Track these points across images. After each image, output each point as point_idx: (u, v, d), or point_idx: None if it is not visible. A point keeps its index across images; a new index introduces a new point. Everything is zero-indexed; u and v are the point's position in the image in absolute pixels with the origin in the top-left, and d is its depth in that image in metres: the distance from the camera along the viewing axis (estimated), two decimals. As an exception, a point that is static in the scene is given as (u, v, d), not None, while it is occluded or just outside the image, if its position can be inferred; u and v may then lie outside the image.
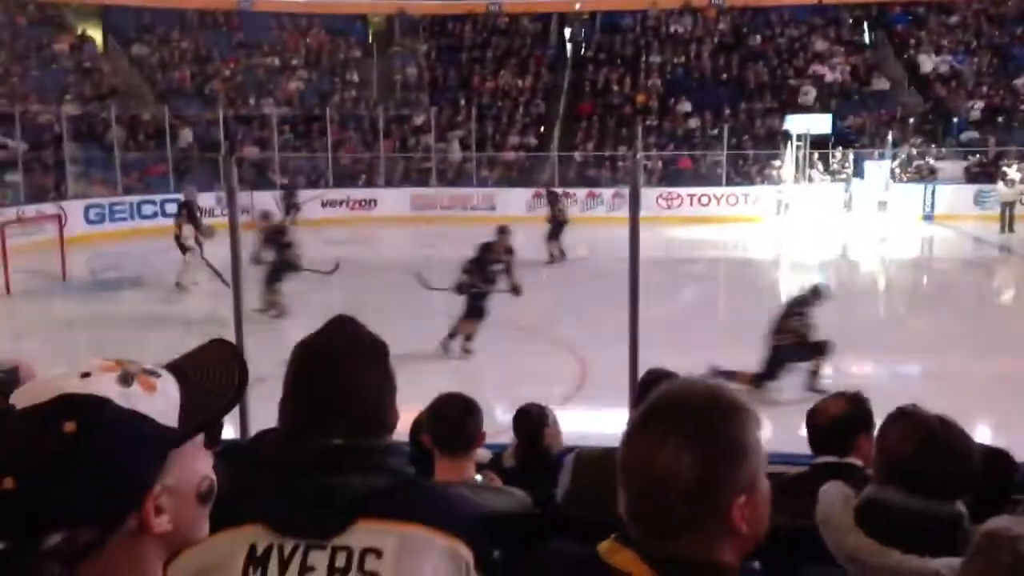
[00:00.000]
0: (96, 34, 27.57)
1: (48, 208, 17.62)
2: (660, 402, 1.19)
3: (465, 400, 2.96)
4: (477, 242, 10.46)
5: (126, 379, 0.89)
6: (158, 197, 20.80)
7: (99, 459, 0.84)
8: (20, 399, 0.87)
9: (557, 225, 16.12)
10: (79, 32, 26.81)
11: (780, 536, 1.73)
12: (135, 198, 20.56)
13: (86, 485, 0.83)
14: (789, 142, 23.15)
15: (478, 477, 3.00)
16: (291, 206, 20.37)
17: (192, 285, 13.61)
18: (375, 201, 22.87)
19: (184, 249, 13.77)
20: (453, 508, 1.46)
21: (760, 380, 8.18)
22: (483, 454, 4.25)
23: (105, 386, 0.87)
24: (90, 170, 21.43)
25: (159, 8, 27.67)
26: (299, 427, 1.46)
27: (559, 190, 17.51)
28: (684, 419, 1.15)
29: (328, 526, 1.35)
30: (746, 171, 23.29)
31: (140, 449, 0.87)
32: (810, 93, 24.65)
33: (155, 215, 20.42)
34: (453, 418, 2.87)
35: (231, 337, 4.06)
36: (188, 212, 14.00)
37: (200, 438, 0.95)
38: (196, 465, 0.94)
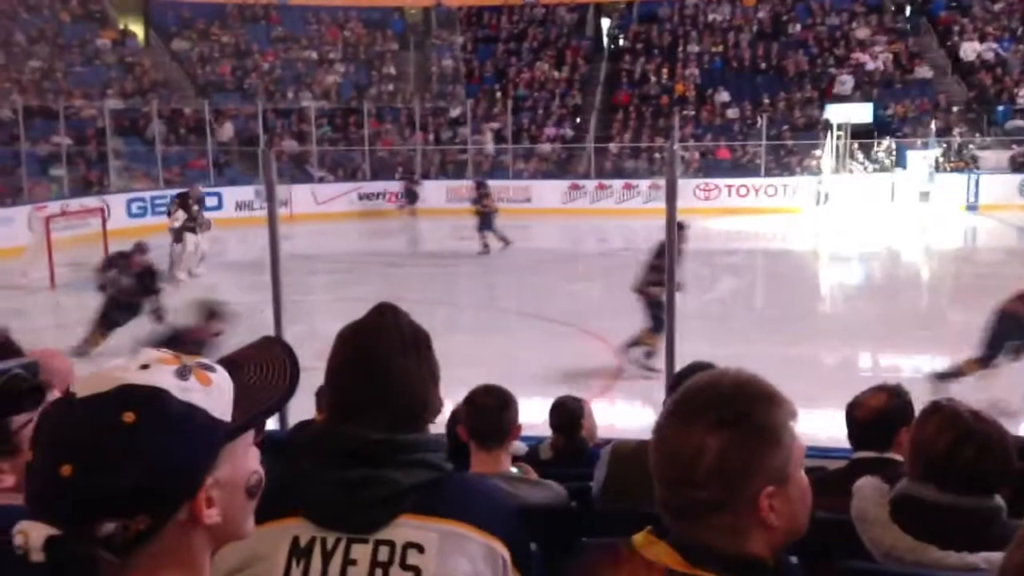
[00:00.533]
0: (138, 29, 27.95)
1: (91, 202, 17.92)
2: (689, 389, 1.20)
3: (501, 392, 2.96)
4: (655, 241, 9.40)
5: (183, 372, 0.90)
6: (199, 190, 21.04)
7: (155, 450, 0.85)
8: (81, 388, 0.88)
9: (486, 216, 16.19)
10: (121, 27, 27.19)
11: (818, 530, 1.71)
12: (176, 191, 20.82)
13: (142, 475, 0.84)
14: (829, 132, 22.84)
15: (514, 469, 3.01)
16: (411, 195, 20.77)
17: (186, 276, 13.67)
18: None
19: (177, 237, 13.92)
20: (492, 505, 1.46)
21: (985, 361, 7.41)
22: (519, 447, 4.26)
23: (163, 378, 0.88)
24: (132, 164, 21.76)
25: (200, 3, 27.98)
26: (339, 418, 1.46)
27: (487, 182, 17.42)
28: (712, 404, 1.16)
29: (371, 520, 1.36)
30: (785, 161, 23.03)
31: (195, 441, 0.88)
32: (847, 83, 24.27)
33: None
34: (489, 410, 2.87)
35: (272, 330, 4.12)
36: (181, 201, 14.25)
37: (251, 434, 0.97)
38: (246, 459, 0.96)
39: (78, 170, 20.49)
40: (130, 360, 0.91)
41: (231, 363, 0.99)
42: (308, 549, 1.35)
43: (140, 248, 10.27)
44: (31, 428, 1.22)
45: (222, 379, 0.94)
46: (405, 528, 1.36)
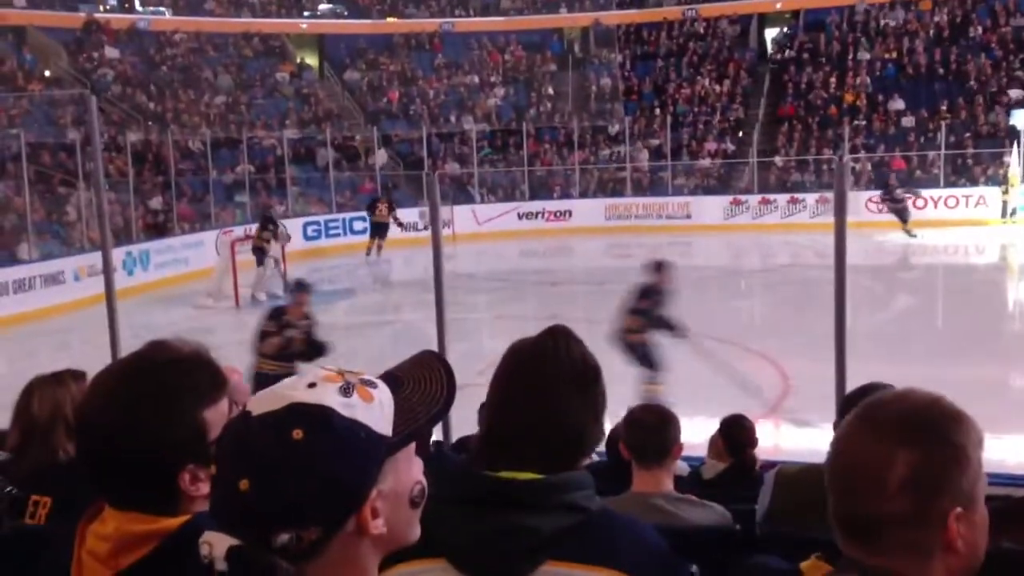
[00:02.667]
0: (313, 62, 29.61)
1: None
2: (877, 402, 1.16)
3: (661, 410, 2.93)
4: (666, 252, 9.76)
5: (347, 390, 0.94)
6: (367, 214, 22.00)
7: (324, 465, 0.89)
8: (255, 406, 0.94)
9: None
10: (298, 61, 28.88)
11: (1007, 564, 1.59)
12: (347, 215, 21.84)
13: (312, 489, 0.89)
14: (1016, 139, 21.26)
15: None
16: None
17: (267, 296, 14.00)
18: (570, 212, 23.09)
19: (261, 258, 14.47)
20: (642, 547, 1.38)
21: None
22: (682, 467, 4.19)
23: (329, 396, 0.93)
24: (307, 190, 23.00)
25: (370, 34, 29.34)
26: (488, 449, 1.42)
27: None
28: (902, 417, 1.11)
29: (514, 568, 1.30)
30: (968, 171, 21.62)
31: (360, 456, 0.92)
32: (1016, 95, 22.58)
33: (365, 231, 21.60)
34: (649, 428, 2.84)
35: (436, 346, 4.23)
36: (267, 223, 14.78)
37: (412, 446, 1.00)
38: (409, 471, 0.99)
39: (260, 196, 21.86)
40: (299, 379, 0.96)
41: (391, 378, 1.02)
42: None
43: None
44: None
45: (383, 394, 0.97)
46: (549, 575, 1.30)
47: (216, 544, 0.89)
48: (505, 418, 1.43)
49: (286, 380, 0.97)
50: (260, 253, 14.61)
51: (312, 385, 0.94)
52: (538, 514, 1.31)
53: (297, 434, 0.89)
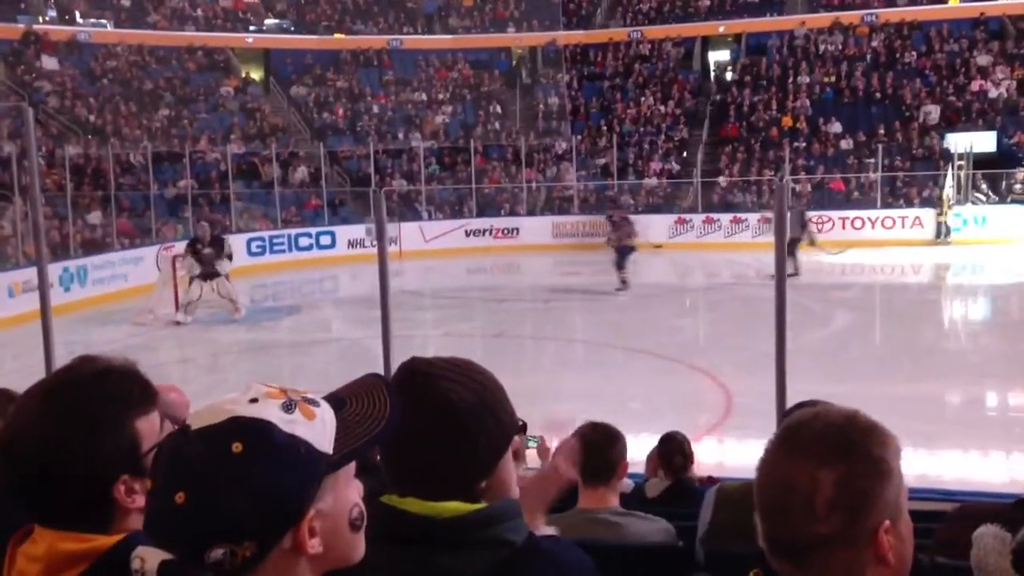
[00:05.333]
0: (258, 76, 29.33)
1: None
2: (796, 422, 1.16)
3: (607, 430, 2.94)
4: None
5: (289, 406, 0.94)
6: (313, 230, 21.82)
7: (262, 479, 0.89)
8: (195, 420, 0.93)
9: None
10: (244, 75, 28.59)
11: (940, 574, 1.63)
12: (292, 231, 21.64)
13: (249, 503, 0.88)
14: (950, 162, 21.94)
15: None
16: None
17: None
18: (517, 229, 23.18)
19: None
20: (565, 573, 1.30)
21: None
22: (626, 484, 4.21)
23: (270, 411, 0.93)
24: (251, 205, 22.72)
25: (317, 50, 29.18)
26: (395, 484, 1.29)
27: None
28: (824, 436, 1.12)
29: None
30: (904, 193, 22.23)
31: (298, 471, 0.92)
32: (933, 112, 23.41)
33: (311, 247, 21.41)
34: (595, 448, 2.85)
35: (382, 363, 4.20)
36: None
37: (352, 467, 0.99)
38: (348, 492, 0.99)
39: (202, 211, 21.52)
40: (241, 394, 0.95)
41: (334, 399, 1.02)
42: None
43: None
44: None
45: (325, 413, 0.97)
46: None
47: (148, 559, 0.88)
48: (399, 456, 1.29)
49: (229, 395, 0.96)
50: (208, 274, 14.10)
51: (254, 400, 0.94)
52: (460, 553, 1.23)
53: (236, 447, 0.88)
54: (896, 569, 1.12)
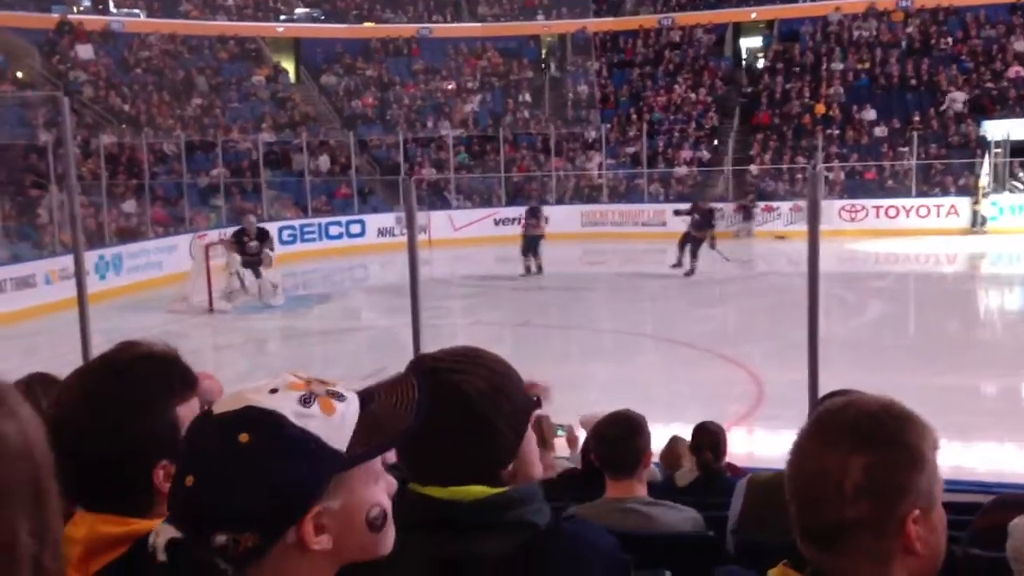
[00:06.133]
0: (289, 66, 29.48)
1: (244, 219, 18.82)
2: (831, 409, 1.17)
3: (630, 420, 2.93)
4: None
5: (307, 399, 0.93)
6: (343, 219, 21.93)
7: (264, 471, 0.89)
8: (218, 405, 0.95)
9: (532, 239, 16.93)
10: (274, 64, 28.74)
11: (974, 570, 1.61)
12: (322, 220, 21.77)
13: (250, 493, 0.89)
14: (987, 150, 21.57)
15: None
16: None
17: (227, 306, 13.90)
18: (546, 218, 23.08)
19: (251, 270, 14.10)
20: (591, 559, 1.31)
21: None
22: (655, 472, 4.21)
23: (286, 404, 0.92)
24: (282, 194, 22.89)
25: (346, 39, 29.28)
26: (421, 466, 1.30)
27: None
28: (856, 424, 1.12)
29: None
30: (938, 181, 21.91)
31: (302, 467, 0.91)
32: (958, 100, 22.98)
33: (341, 236, 21.52)
34: (616, 442, 2.85)
35: (409, 351, 4.22)
36: (235, 240, 14.26)
37: (376, 465, 0.98)
38: (366, 490, 0.97)
39: (234, 200, 21.71)
40: (265, 383, 0.95)
41: (365, 394, 1.01)
42: None
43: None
44: None
45: (348, 409, 0.96)
46: None
47: (161, 533, 0.90)
48: (421, 442, 1.26)
49: (258, 382, 0.96)
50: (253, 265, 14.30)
51: (274, 391, 0.94)
52: (486, 536, 1.25)
53: (243, 437, 0.89)
54: (926, 560, 1.11)
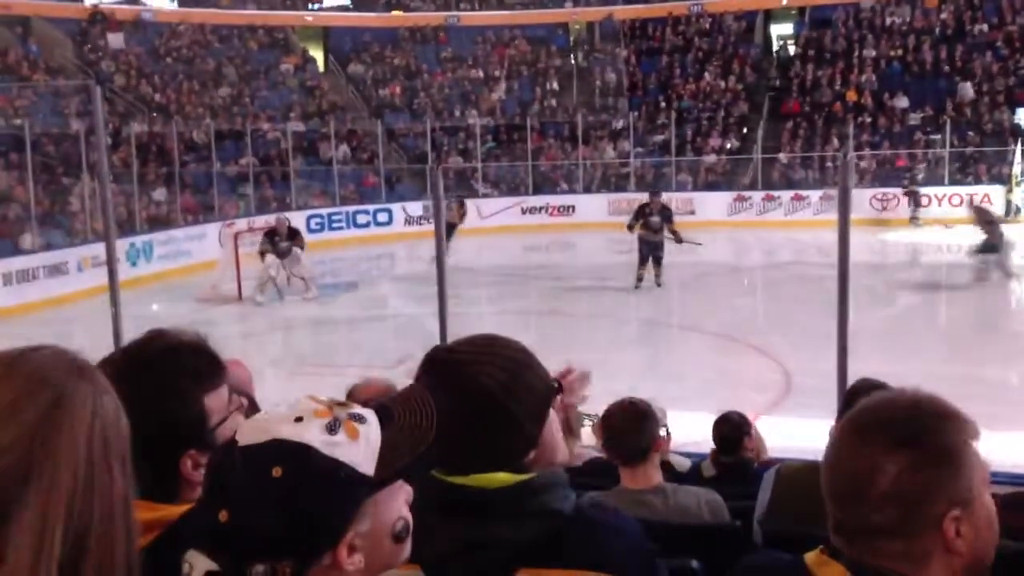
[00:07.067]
0: (318, 54, 29.59)
1: (275, 218, 18.99)
2: (866, 408, 1.16)
3: (636, 410, 2.91)
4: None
5: (332, 427, 0.94)
6: (371, 207, 22.01)
7: (300, 503, 0.90)
8: (243, 435, 0.95)
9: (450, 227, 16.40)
10: (303, 53, 28.85)
11: (1012, 561, 1.59)
12: (350, 208, 21.86)
13: (287, 525, 0.90)
14: (1021, 137, 21.20)
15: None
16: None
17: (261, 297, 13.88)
18: (573, 207, 23.08)
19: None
20: (623, 546, 1.31)
21: None
22: (682, 462, 4.19)
23: (312, 433, 0.93)
24: (311, 183, 23.00)
25: (374, 27, 29.32)
26: (444, 457, 1.28)
27: None
28: (891, 423, 1.11)
29: None
30: (971, 170, 21.58)
31: (338, 497, 0.93)
32: (966, 89, 22.59)
33: (368, 224, 21.61)
34: (624, 432, 2.84)
35: (436, 339, 4.23)
36: (268, 240, 14.14)
37: (398, 481, 1.00)
38: (391, 506, 0.98)
39: (263, 188, 21.84)
40: (289, 411, 0.96)
41: (383, 410, 1.01)
42: None
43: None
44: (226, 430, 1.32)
45: (371, 430, 0.97)
46: None
47: (196, 566, 0.92)
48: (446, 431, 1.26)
49: (275, 411, 0.97)
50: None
51: (299, 420, 0.94)
52: (512, 522, 1.26)
53: (276, 472, 0.90)
54: (970, 556, 1.10)
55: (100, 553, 0.87)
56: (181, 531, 1.21)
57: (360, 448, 0.95)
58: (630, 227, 13.94)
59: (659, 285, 13.63)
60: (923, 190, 20.83)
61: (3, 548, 0.83)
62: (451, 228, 16.02)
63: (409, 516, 1.01)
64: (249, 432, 0.95)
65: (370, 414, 0.99)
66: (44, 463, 0.86)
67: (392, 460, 0.97)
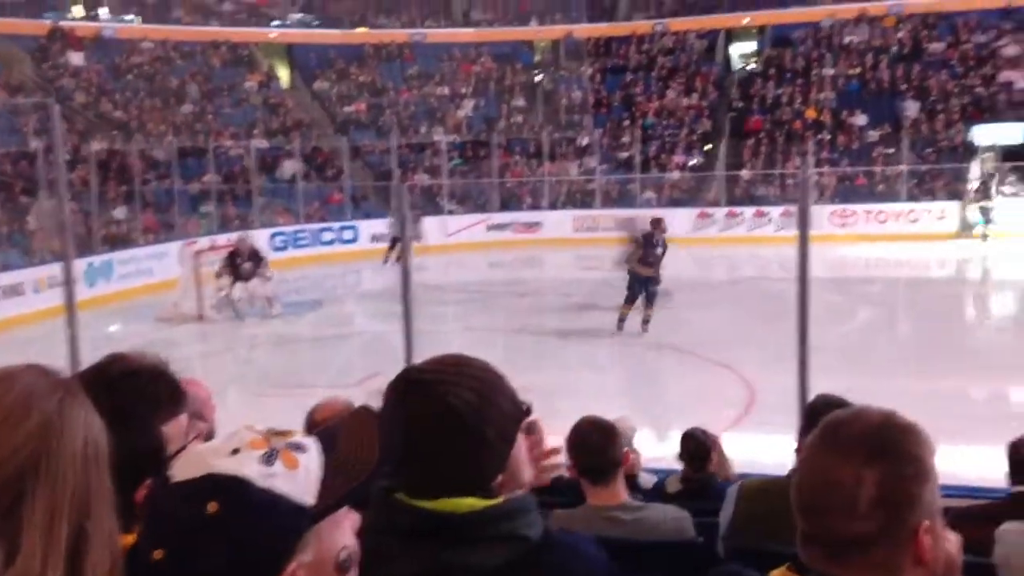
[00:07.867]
0: (282, 71, 29.46)
1: (237, 237, 18.84)
2: (839, 422, 1.18)
3: (603, 428, 2.92)
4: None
5: (270, 458, 0.91)
6: (336, 225, 21.91)
7: (237, 538, 0.88)
8: (178, 470, 0.93)
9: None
10: (267, 70, 28.71)
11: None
12: (314, 226, 21.73)
13: (225, 563, 0.88)
14: (976, 154, 21.67)
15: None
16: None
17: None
18: (539, 224, 23.15)
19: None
20: (582, 570, 1.31)
21: None
22: (647, 478, 4.21)
23: (248, 465, 0.90)
24: (274, 200, 22.84)
25: (339, 44, 29.27)
26: (411, 479, 1.28)
27: None
28: (865, 435, 1.14)
29: None
30: (928, 186, 21.99)
31: (275, 530, 0.90)
32: (911, 108, 23.14)
33: (332, 242, 21.51)
34: (592, 449, 2.84)
35: (403, 357, 4.21)
36: (228, 262, 14.11)
37: (341, 510, 0.96)
38: (334, 536, 0.95)
39: (226, 206, 21.65)
40: (225, 443, 0.94)
41: (328, 436, 0.99)
42: None
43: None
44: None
45: (311, 460, 0.94)
46: None
47: None
48: (404, 455, 1.28)
49: (211, 443, 0.95)
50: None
51: (235, 452, 0.92)
52: (480, 548, 1.24)
53: (212, 507, 0.88)
54: (933, 569, 1.12)
55: (99, 546, 0.91)
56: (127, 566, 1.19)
57: (299, 478, 0.91)
58: (627, 262, 11.95)
59: (646, 331, 11.77)
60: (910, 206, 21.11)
61: (18, 536, 0.87)
62: (395, 241, 16.27)
63: (355, 545, 0.97)
64: (184, 467, 0.92)
65: (311, 442, 0.96)
66: (50, 462, 0.90)
67: (334, 488, 0.93)
